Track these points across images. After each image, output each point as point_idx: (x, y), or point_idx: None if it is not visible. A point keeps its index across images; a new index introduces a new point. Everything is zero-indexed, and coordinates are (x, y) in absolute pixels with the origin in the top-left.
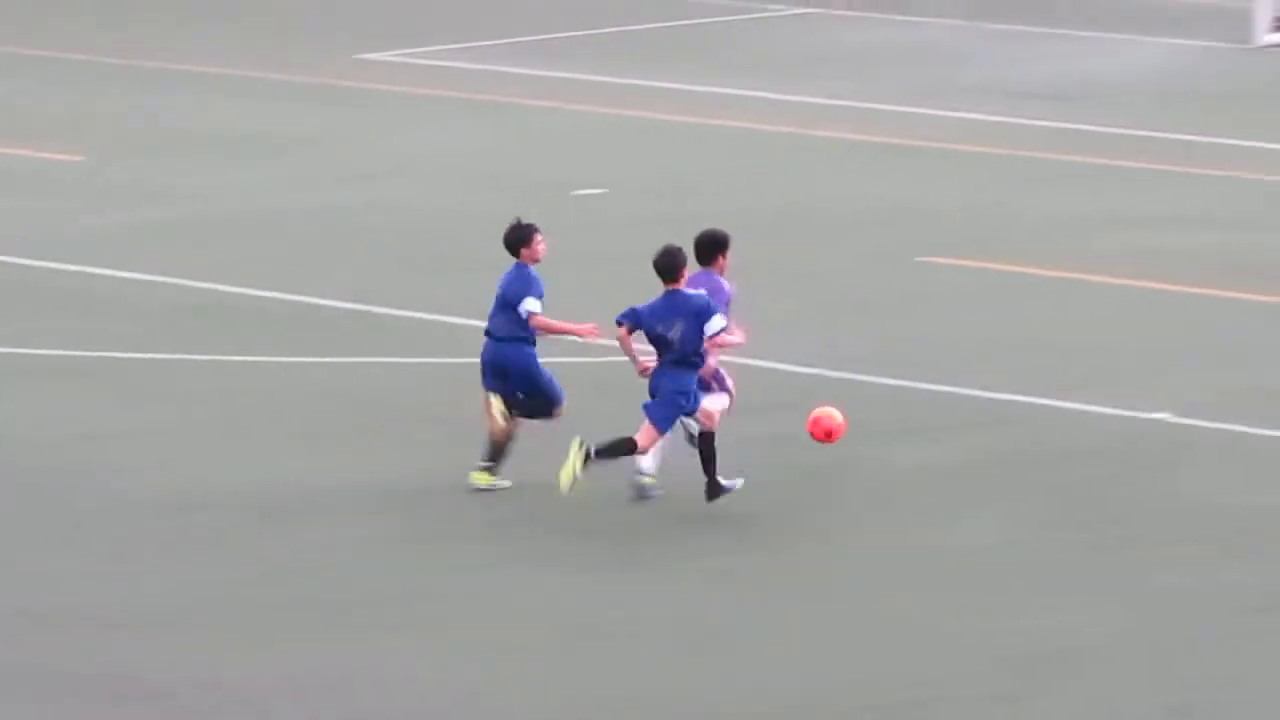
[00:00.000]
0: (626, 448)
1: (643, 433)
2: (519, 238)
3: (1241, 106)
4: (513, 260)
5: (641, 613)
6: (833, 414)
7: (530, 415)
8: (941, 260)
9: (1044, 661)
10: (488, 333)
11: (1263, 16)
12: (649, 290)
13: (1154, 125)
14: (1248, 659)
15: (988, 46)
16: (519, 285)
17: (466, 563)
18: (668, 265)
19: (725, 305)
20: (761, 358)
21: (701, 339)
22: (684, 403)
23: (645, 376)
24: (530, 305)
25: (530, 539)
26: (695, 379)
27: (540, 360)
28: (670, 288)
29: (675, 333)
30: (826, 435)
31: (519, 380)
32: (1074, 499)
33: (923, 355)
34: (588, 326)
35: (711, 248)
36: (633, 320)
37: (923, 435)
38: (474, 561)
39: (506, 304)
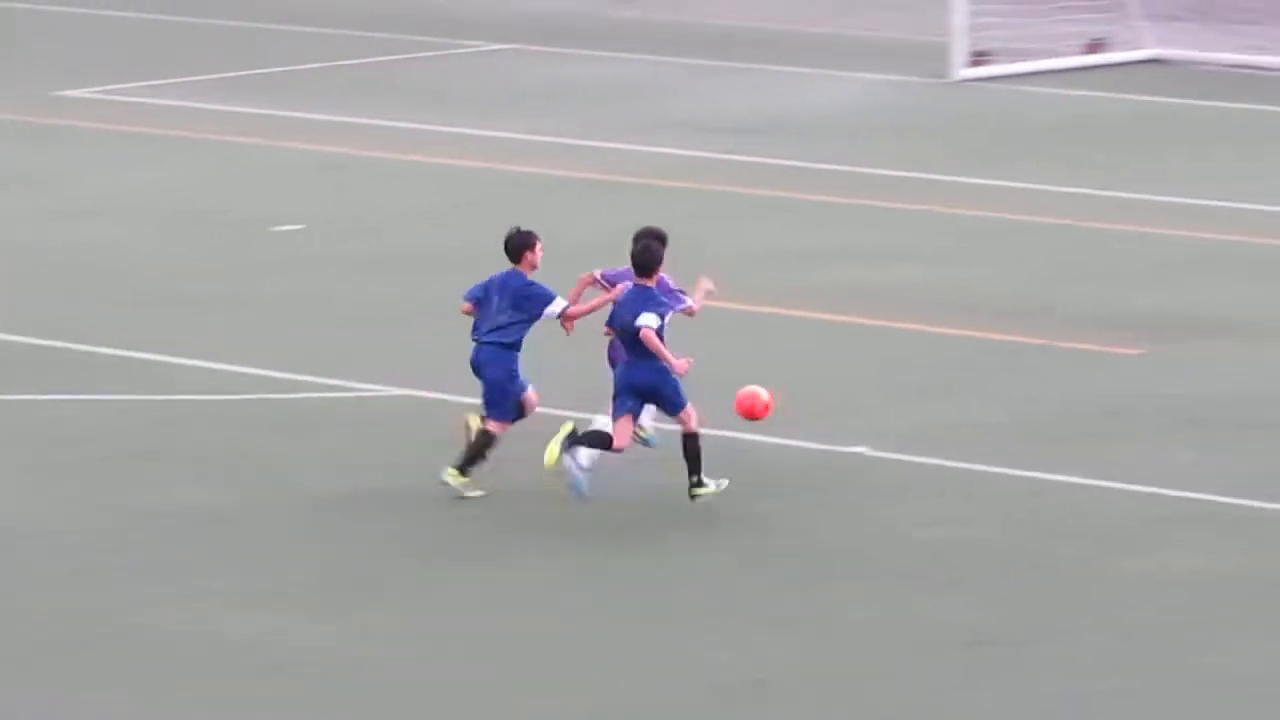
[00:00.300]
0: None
1: (689, 416)
2: (524, 243)
3: (940, 141)
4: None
5: (341, 651)
6: (757, 394)
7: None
8: None
9: (739, 692)
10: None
11: (959, 50)
12: (350, 326)
13: (852, 160)
14: (942, 693)
15: (687, 82)
16: (536, 294)
17: (161, 599)
18: (644, 260)
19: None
20: (455, 393)
21: (661, 334)
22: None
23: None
24: (558, 305)
25: (234, 576)
26: (667, 369)
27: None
28: (642, 283)
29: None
30: (750, 411)
31: (491, 387)
32: (771, 531)
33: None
34: (613, 293)
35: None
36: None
37: (617, 469)
38: (170, 598)
39: (517, 308)
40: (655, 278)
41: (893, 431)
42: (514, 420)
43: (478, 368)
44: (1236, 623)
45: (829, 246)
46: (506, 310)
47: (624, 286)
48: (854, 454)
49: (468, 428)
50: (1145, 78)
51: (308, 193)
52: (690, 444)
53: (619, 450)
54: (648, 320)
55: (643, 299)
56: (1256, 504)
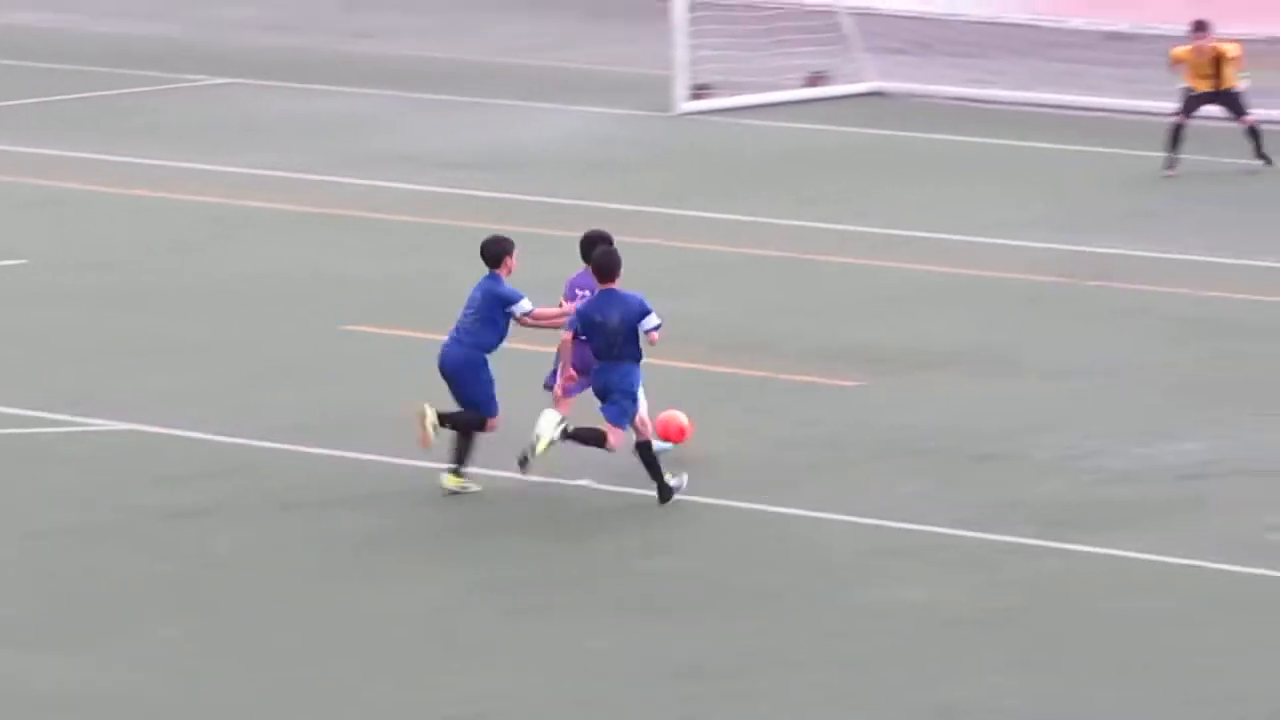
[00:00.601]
0: (597, 439)
1: (611, 433)
2: (501, 250)
3: (663, 174)
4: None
5: (71, 685)
6: (674, 418)
7: (459, 427)
8: (368, 328)
9: None
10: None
11: (681, 84)
12: (76, 362)
13: (579, 193)
14: None
15: (417, 117)
16: (505, 292)
17: None
18: (606, 265)
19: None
20: (186, 428)
21: (636, 336)
22: (633, 401)
23: (569, 383)
24: (524, 305)
25: None
26: (639, 373)
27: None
28: (606, 286)
29: (614, 329)
30: (680, 433)
31: (463, 386)
32: (495, 562)
33: (347, 424)
34: (560, 310)
35: (595, 246)
36: (579, 324)
37: (347, 503)
38: None
39: (493, 308)
40: (618, 280)
41: (616, 464)
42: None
43: (445, 369)
44: (962, 655)
45: (558, 278)
46: (475, 310)
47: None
48: (579, 486)
49: (421, 417)
50: (867, 111)
51: (28, 228)
52: (589, 436)
53: (613, 448)
54: (654, 321)
55: (628, 302)
56: (979, 536)
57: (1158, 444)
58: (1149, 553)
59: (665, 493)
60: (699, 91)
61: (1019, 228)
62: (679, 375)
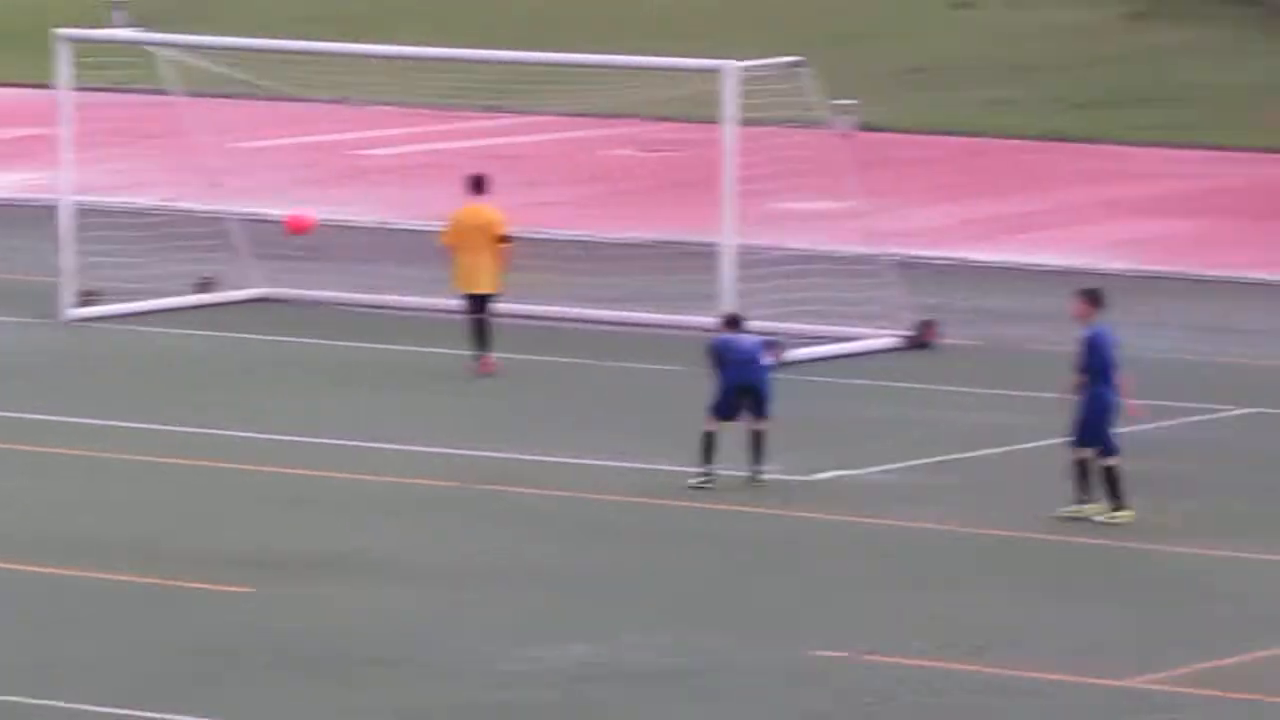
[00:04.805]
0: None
1: None
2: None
3: (49, 382)
4: None
5: None
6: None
7: None
8: None
9: None
10: None
11: (68, 291)
12: None
13: None
14: None
15: None
16: None
17: None
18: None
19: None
20: None
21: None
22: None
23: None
24: None
25: None
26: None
27: None
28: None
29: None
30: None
31: None
32: None
33: None
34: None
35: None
36: None
37: None
38: None
39: None
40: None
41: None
42: None
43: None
44: None
45: None
46: None
47: None
48: None
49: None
50: (255, 316)
51: None
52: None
53: None
54: None
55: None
56: None
57: (545, 646)
58: None
59: None
60: (87, 298)
61: (404, 431)
62: (67, 583)
